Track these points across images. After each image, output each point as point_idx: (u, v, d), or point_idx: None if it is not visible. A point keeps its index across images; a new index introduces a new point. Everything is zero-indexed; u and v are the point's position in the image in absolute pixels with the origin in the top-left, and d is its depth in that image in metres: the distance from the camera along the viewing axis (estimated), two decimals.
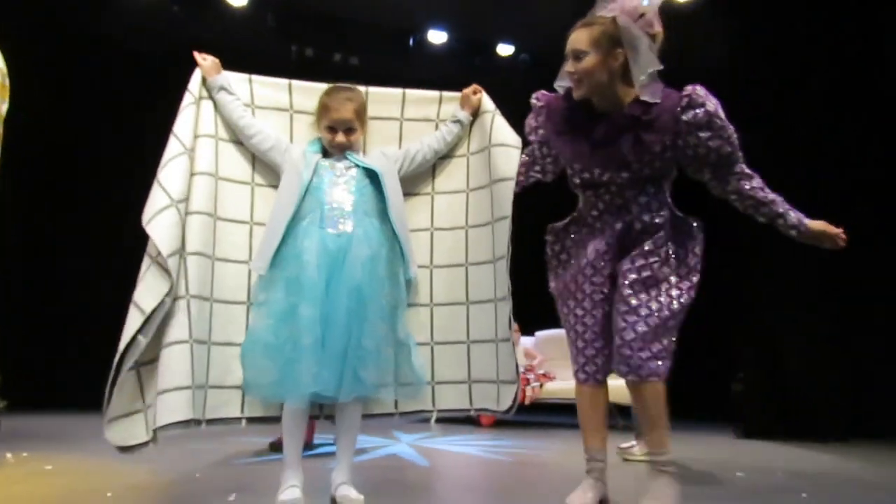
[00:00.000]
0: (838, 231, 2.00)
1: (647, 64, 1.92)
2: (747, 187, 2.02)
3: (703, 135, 1.96)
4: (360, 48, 6.08)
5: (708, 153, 1.99)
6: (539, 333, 6.11)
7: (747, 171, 2.03)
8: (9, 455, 2.87)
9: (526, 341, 6.08)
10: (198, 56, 2.05)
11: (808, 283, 4.63)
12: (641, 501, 1.96)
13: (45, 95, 5.32)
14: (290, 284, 1.89)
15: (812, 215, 2.01)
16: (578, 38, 1.99)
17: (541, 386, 5.29)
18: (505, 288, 1.95)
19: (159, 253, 1.77)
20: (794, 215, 2.00)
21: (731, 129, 1.99)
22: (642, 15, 1.94)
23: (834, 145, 4.69)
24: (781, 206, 2.01)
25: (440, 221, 2.15)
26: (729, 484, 2.61)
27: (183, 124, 1.93)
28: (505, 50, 6.28)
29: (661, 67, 1.94)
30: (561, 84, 2.08)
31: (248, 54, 4.88)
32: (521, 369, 5.36)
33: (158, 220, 1.79)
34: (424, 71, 5.90)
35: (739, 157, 2.02)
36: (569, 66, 2.02)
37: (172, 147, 1.89)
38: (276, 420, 1.96)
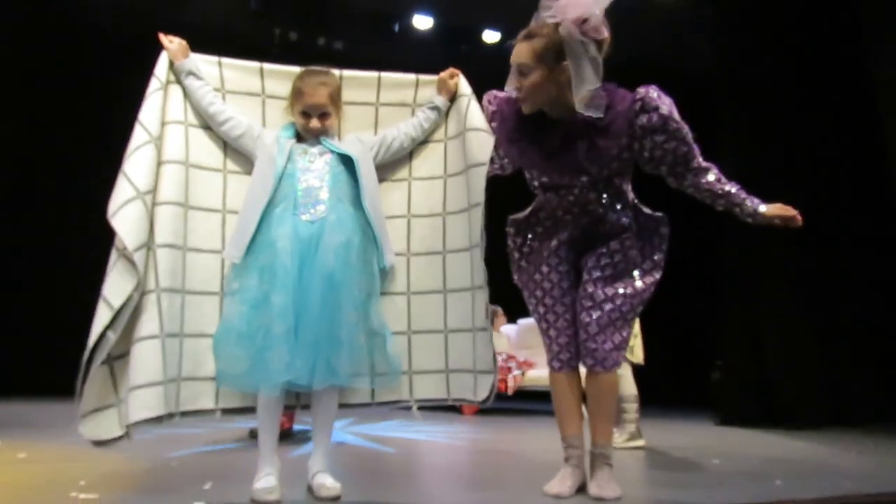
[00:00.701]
0: (793, 213, 1.98)
1: (586, 81, 1.90)
2: (703, 181, 2.02)
3: (658, 138, 1.97)
4: (344, 33, 6.01)
5: (664, 155, 1.99)
6: (521, 321, 6.14)
7: (703, 164, 2.03)
8: None
9: (509, 329, 6.11)
10: (164, 38, 1.97)
11: (787, 271, 4.68)
12: (591, 490, 2.00)
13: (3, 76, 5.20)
14: (263, 272, 1.86)
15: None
16: (521, 52, 1.96)
17: (522, 374, 5.32)
18: (482, 276, 1.94)
19: (125, 247, 1.73)
20: (749, 204, 2.00)
21: (685, 129, 1.99)
22: (586, 20, 1.89)
23: (816, 131, 4.72)
24: (737, 196, 2.01)
25: (417, 208, 2.11)
26: (704, 470, 2.64)
27: (149, 111, 1.86)
28: (491, 37, 6.24)
29: (598, 86, 1.92)
30: (511, 92, 2.05)
31: (230, 38, 4.82)
32: (503, 357, 5.39)
33: (124, 213, 1.74)
34: (410, 56, 5.85)
35: (695, 154, 2.02)
36: (514, 82, 1.99)
37: (138, 136, 1.83)
38: (251, 410, 1.94)
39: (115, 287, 1.72)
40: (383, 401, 2.03)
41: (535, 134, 2.04)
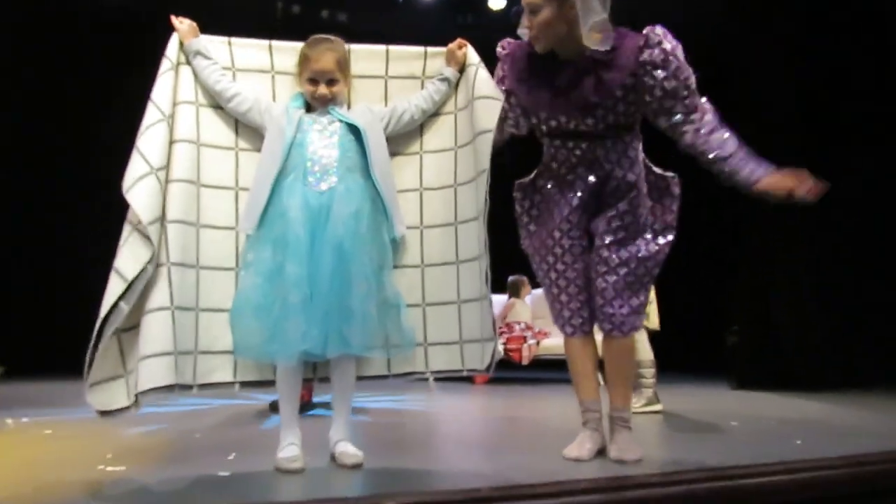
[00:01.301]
0: (793, 184, 1.87)
1: (593, 12, 1.90)
2: (698, 139, 1.95)
3: (658, 74, 1.93)
4: (347, 4, 5.92)
5: (664, 96, 1.95)
6: (535, 292, 6.13)
7: (706, 118, 1.96)
8: (9, 421, 2.89)
9: (527, 299, 6.09)
10: (174, 20, 1.98)
11: (800, 233, 4.64)
12: (610, 453, 2.01)
13: (16, 58, 5.20)
14: (276, 243, 1.87)
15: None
16: None
17: (537, 343, 5.33)
18: (483, 243, 1.92)
19: (140, 221, 1.75)
20: (746, 174, 1.90)
21: (687, 71, 1.96)
22: None
23: (832, 96, 4.64)
24: (732, 162, 1.91)
25: (429, 181, 2.10)
26: (724, 432, 2.65)
27: (161, 91, 1.89)
28: (496, 3, 6.13)
29: (604, 17, 1.91)
30: (524, 33, 2.05)
31: (232, 12, 4.76)
32: (522, 327, 5.40)
33: (138, 188, 1.77)
34: (414, 27, 5.77)
35: (695, 103, 1.96)
36: (525, 21, 1.99)
37: (151, 114, 1.86)
38: (269, 383, 1.96)
39: (129, 259, 1.74)
40: (399, 372, 2.04)
41: (544, 73, 2.03)
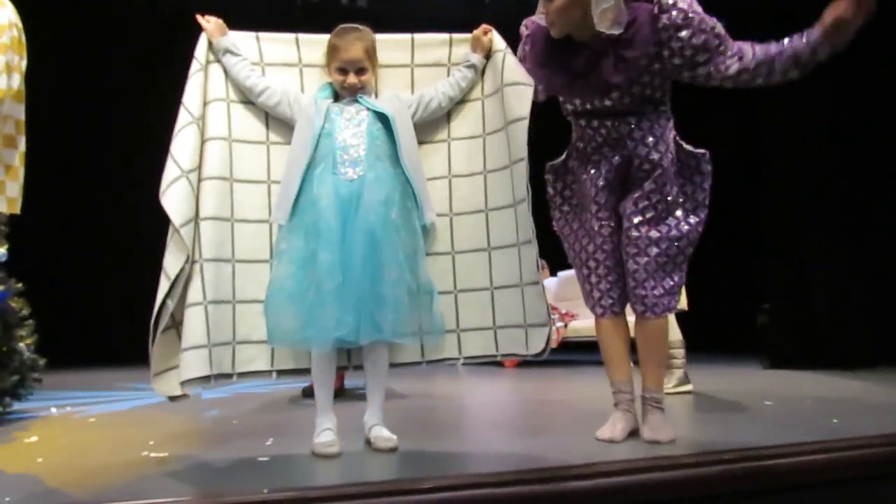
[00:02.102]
0: (845, 7, 1.76)
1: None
2: (752, 60, 1.88)
3: (683, 34, 1.90)
4: None
5: (695, 53, 1.91)
6: (561, 274, 6.11)
7: (744, 47, 1.90)
8: (53, 409, 2.98)
9: (549, 282, 6.09)
10: (201, 19, 2.01)
11: (831, 209, 4.54)
12: (643, 434, 2.01)
13: (54, 64, 5.31)
14: (308, 232, 1.90)
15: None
16: None
17: (565, 326, 5.33)
18: (529, 231, 1.93)
19: (174, 223, 1.83)
20: (803, 44, 1.82)
21: (711, 20, 1.92)
22: None
23: (862, 62, 4.51)
24: (792, 46, 1.84)
25: (458, 168, 2.10)
26: (758, 412, 2.63)
27: (191, 93, 1.94)
28: None
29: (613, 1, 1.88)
30: (540, 19, 2.05)
31: (252, 2, 4.78)
32: None
33: (171, 192, 1.84)
34: (434, 10, 5.73)
35: (729, 45, 1.91)
36: (541, 7, 2.00)
37: (182, 117, 1.92)
38: (306, 372, 2.00)
39: (171, 258, 1.83)
40: (433, 359, 2.06)
41: (562, 57, 2.02)
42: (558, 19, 1.97)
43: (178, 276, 1.81)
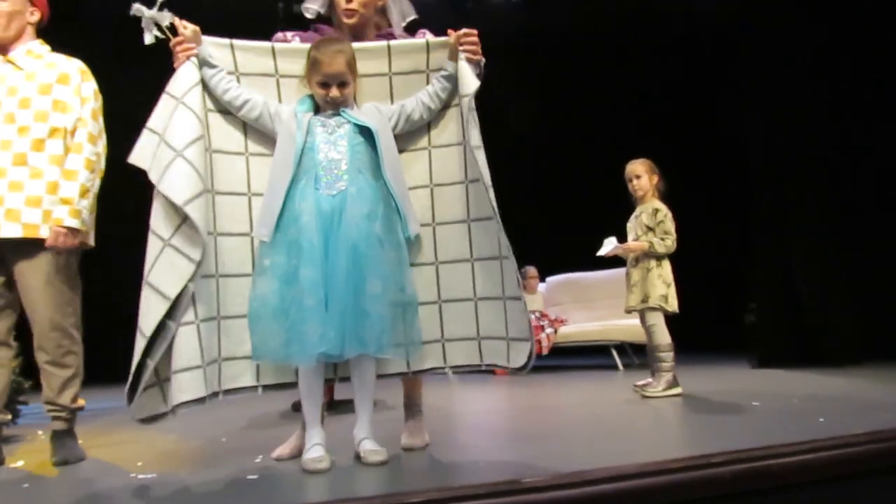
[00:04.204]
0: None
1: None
2: None
3: None
4: None
5: None
6: (549, 279, 6.14)
7: None
8: (40, 432, 2.94)
9: (539, 288, 6.10)
10: (178, 24, 1.94)
11: (815, 207, 4.59)
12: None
13: None
14: (290, 248, 1.89)
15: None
16: None
17: (555, 331, 5.34)
18: (507, 247, 1.92)
19: (169, 235, 1.79)
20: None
21: None
22: None
23: (846, 66, 4.57)
24: None
25: (439, 177, 2.09)
26: (746, 413, 2.64)
27: (174, 84, 1.90)
28: None
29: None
30: (311, 7, 2.20)
31: (233, 11, 4.76)
32: (536, 315, 5.41)
33: (168, 175, 1.81)
34: (417, 15, 5.74)
35: None
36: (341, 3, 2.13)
37: (165, 103, 1.89)
38: (292, 385, 1.99)
39: (166, 277, 1.77)
40: (419, 369, 2.06)
41: None
42: (363, 10, 2.14)
43: (180, 295, 1.74)
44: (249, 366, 1.95)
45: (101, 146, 2.36)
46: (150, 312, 1.75)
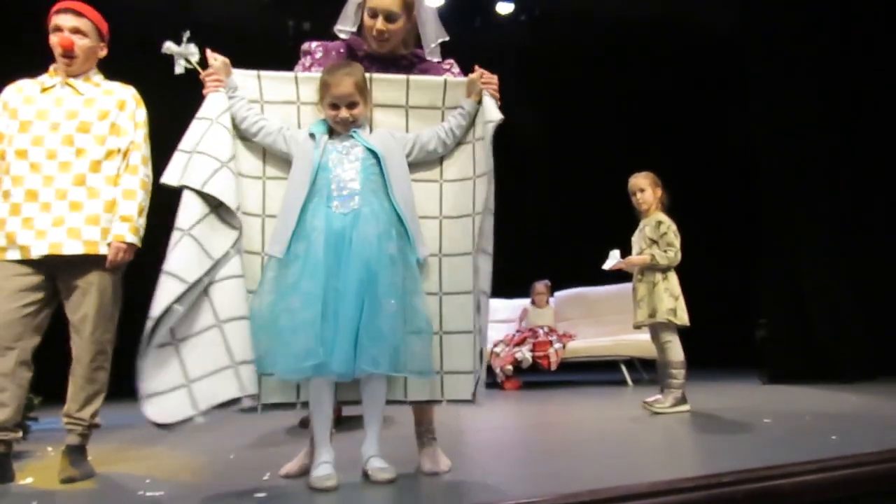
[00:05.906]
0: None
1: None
2: None
3: None
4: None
5: None
6: (559, 294, 6.12)
7: None
8: (49, 448, 2.95)
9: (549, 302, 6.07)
10: (210, 55, 2.05)
11: (826, 223, 4.57)
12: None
13: None
14: (296, 262, 1.91)
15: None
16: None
17: (563, 347, 5.31)
18: (489, 282, 1.96)
19: (189, 225, 1.87)
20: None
21: None
22: None
23: (849, 77, 4.57)
24: None
25: (448, 209, 2.12)
26: (757, 431, 2.62)
27: (206, 109, 2.02)
28: (505, 8, 6.15)
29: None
30: (344, 29, 2.19)
31: (243, 33, 4.83)
32: (545, 330, 5.39)
33: (214, 180, 1.92)
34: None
35: None
36: (379, 25, 2.12)
37: (198, 125, 1.98)
38: (290, 406, 2.00)
39: (185, 262, 1.83)
40: (416, 399, 2.06)
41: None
42: (393, 38, 2.15)
43: (197, 282, 1.81)
44: (265, 380, 1.96)
45: (150, 168, 2.49)
46: (162, 297, 1.78)
